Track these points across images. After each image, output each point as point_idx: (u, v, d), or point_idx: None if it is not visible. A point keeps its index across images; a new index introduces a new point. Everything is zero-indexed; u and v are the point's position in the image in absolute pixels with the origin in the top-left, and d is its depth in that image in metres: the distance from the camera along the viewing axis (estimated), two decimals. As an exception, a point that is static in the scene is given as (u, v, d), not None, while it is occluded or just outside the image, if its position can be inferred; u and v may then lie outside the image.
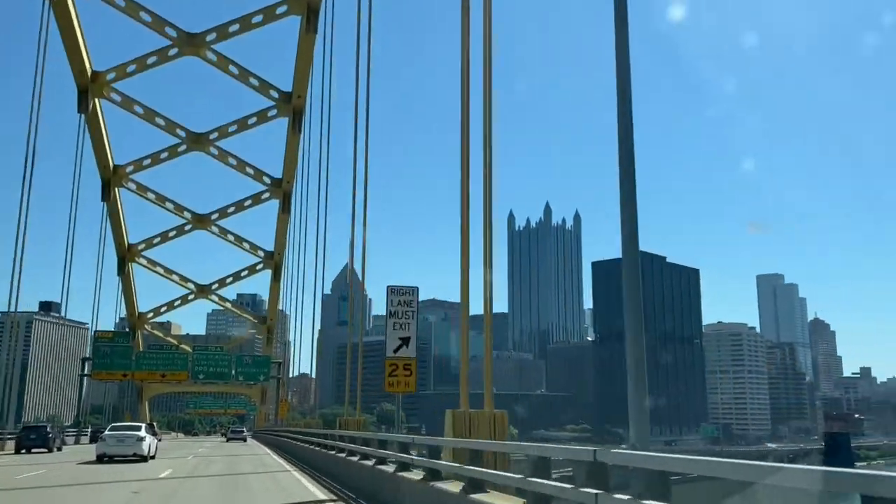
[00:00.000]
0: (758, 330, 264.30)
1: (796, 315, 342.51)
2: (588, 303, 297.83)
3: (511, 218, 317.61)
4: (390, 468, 13.29)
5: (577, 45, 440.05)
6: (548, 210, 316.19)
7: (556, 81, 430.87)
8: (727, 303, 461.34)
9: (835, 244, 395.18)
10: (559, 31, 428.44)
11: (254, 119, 47.04)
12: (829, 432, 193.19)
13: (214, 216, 56.47)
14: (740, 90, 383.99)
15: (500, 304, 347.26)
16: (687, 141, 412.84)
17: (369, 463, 15.23)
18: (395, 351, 16.65)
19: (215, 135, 48.44)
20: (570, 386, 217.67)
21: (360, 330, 27.05)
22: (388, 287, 16.62)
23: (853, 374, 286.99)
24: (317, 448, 24.73)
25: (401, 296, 17.02)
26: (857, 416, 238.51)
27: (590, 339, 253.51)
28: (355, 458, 17.03)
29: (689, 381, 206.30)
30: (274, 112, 45.97)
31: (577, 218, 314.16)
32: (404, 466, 12.53)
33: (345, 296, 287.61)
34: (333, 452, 20.63)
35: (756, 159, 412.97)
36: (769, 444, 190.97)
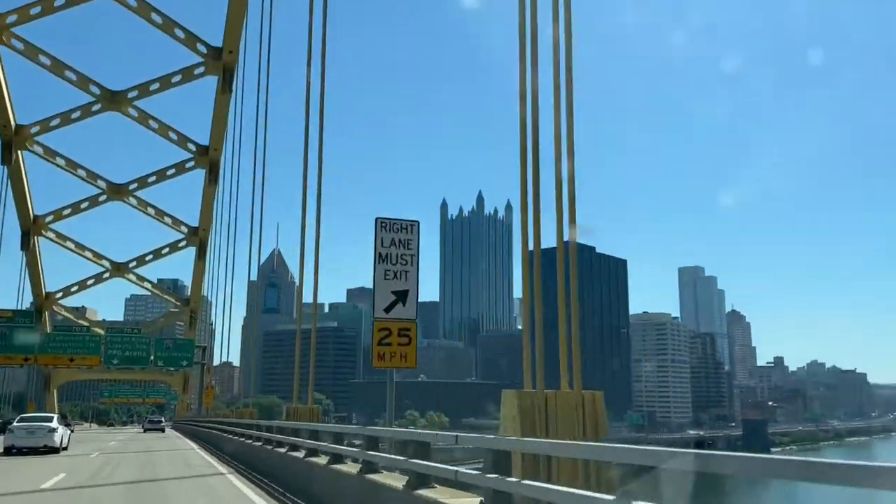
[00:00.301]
0: (679, 320, 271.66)
1: (715, 306, 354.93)
2: (518, 292, 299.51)
3: (444, 206, 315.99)
4: (395, 482, 9.12)
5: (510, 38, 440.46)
6: (480, 199, 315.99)
7: (494, 73, 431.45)
8: (651, 293, 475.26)
9: (749, 239, 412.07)
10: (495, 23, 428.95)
11: (178, 77, 42.47)
12: (747, 419, 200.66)
13: (133, 186, 51.32)
14: (669, 77, 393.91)
15: (432, 293, 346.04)
16: (617, 135, 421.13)
17: (349, 470, 11.29)
18: (388, 310, 11.74)
19: (135, 93, 43.52)
20: (501, 374, 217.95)
21: (315, 315, 22.97)
22: (376, 220, 11.82)
23: (767, 363, 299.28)
24: (259, 444, 20.18)
25: (395, 233, 11.83)
26: (770, 403, 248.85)
27: (520, 327, 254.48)
28: (321, 460, 13.03)
29: (616, 370, 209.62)
30: (201, 70, 41.58)
31: (508, 208, 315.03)
32: (422, 480, 8.33)
33: (273, 282, 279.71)
34: (284, 450, 16.16)
35: (681, 151, 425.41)
36: (690, 431, 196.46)
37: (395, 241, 11.91)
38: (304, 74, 21.04)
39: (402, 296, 11.84)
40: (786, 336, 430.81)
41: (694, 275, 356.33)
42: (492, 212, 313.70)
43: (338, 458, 12.13)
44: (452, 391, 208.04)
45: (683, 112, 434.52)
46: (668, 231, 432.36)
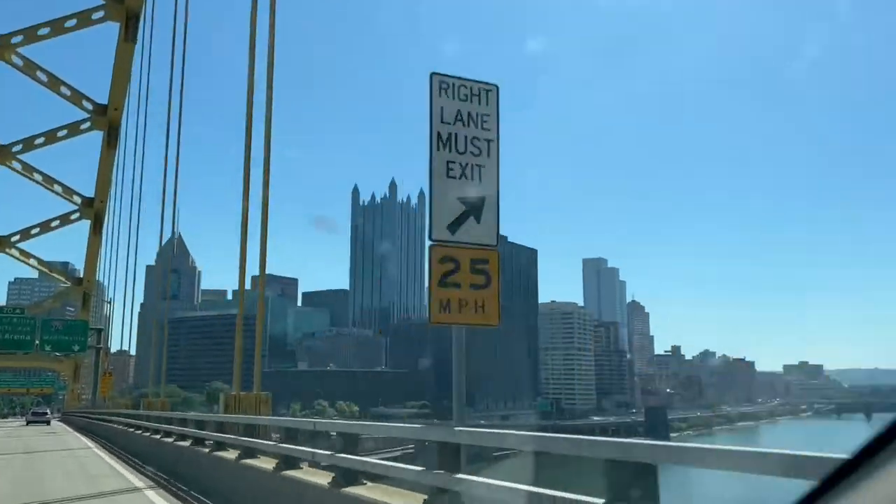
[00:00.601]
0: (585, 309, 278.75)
1: (616, 297, 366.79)
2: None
3: (356, 192, 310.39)
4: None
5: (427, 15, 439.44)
6: (393, 186, 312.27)
7: (403, 58, 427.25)
8: (558, 283, 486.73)
9: (649, 233, 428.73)
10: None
11: (73, 22, 37.41)
12: (649, 406, 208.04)
13: (17, 148, 45.43)
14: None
15: (342, 280, 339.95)
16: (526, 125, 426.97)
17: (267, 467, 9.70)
18: (454, 229, 6.91)
19: (19, 38, 38.02)
20: (412, 363, 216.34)
21: (261, 302, 19.86)
22: (432, 77, 6.96)
23: (665, 352, 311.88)
24: (184, 444, 16.04)
25: (461, 102, 7.05)
26: (668, 390, 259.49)
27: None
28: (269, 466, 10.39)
29: (525, 358, 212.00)
30: (100, 14, 36.80)
31: (421, 196, 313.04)
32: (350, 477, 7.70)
33: (173, 268, 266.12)
34: (224, 454, 12.58)
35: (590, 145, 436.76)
36: (594, 418, 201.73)
37: (464, 115, 7.04)
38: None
39: (475, 207, 6.96)
40: (681, 326, 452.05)
41: (597, 266, 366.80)
42: (404, 199, 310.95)
43: (292, 461, 9.52)
44: (362, 380, 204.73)
45: (578, 105, 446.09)
46: (575, 222, 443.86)
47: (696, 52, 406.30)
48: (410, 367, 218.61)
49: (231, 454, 12.08)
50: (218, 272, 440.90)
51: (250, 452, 11.28)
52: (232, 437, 12.68)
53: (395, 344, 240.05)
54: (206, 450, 13.98)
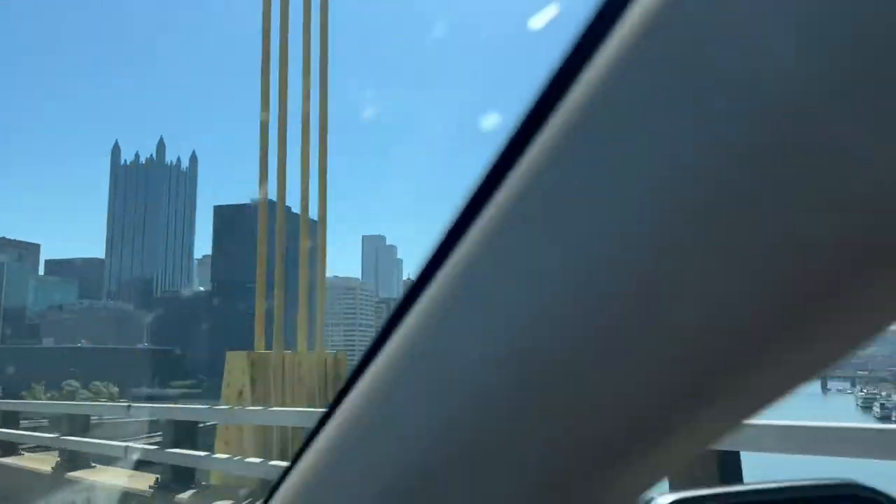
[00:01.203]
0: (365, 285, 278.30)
1: (394, 274, 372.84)
2: (201, 251, 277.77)
3: (116, 149, 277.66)
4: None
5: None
6: (161, 146, 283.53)
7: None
8: (340, 258, 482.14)
9: (421, 211, 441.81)
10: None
11: None
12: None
13: None
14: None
15: (96, 248, 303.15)
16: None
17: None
18: None
19: None
20: (181, 339, 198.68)
21: None
22: None
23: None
24: None
25: None
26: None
27: (202, 289, 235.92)
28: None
29: (312, 332, 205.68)
30: None
31: (193, 159, 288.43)
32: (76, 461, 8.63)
33: None
34: None
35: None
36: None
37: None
38: None
39: None
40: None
41: (376, 244, 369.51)
42: (174, 161, 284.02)
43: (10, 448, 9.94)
44: (124, 358, 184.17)
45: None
46: (356, 199, 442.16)
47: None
48: (178, 345, 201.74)
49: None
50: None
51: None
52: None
53: (162, 318, 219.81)
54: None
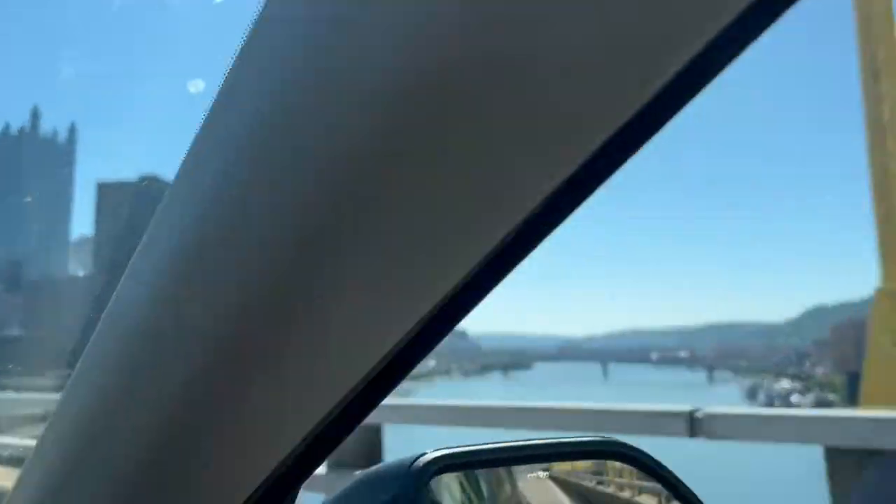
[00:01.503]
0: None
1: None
2: (78, 230, 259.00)
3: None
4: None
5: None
6: (36, 115, 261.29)
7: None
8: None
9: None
10: None
11: None
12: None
13: None
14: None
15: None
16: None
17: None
18: None
19: None
20: (63, 325, 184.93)
21: None
22: None
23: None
24: None
25: None
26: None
27: (82, 273, 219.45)
28: None
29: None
30: None
31: (72, 130, 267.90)
32: None
33: None
34: None
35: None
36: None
37: None
38: None
39: None
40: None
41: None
42: (50, 132, 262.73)
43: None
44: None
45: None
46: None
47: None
48: (61, 330, 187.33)
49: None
50: None
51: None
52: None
53: (38, 303, 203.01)
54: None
